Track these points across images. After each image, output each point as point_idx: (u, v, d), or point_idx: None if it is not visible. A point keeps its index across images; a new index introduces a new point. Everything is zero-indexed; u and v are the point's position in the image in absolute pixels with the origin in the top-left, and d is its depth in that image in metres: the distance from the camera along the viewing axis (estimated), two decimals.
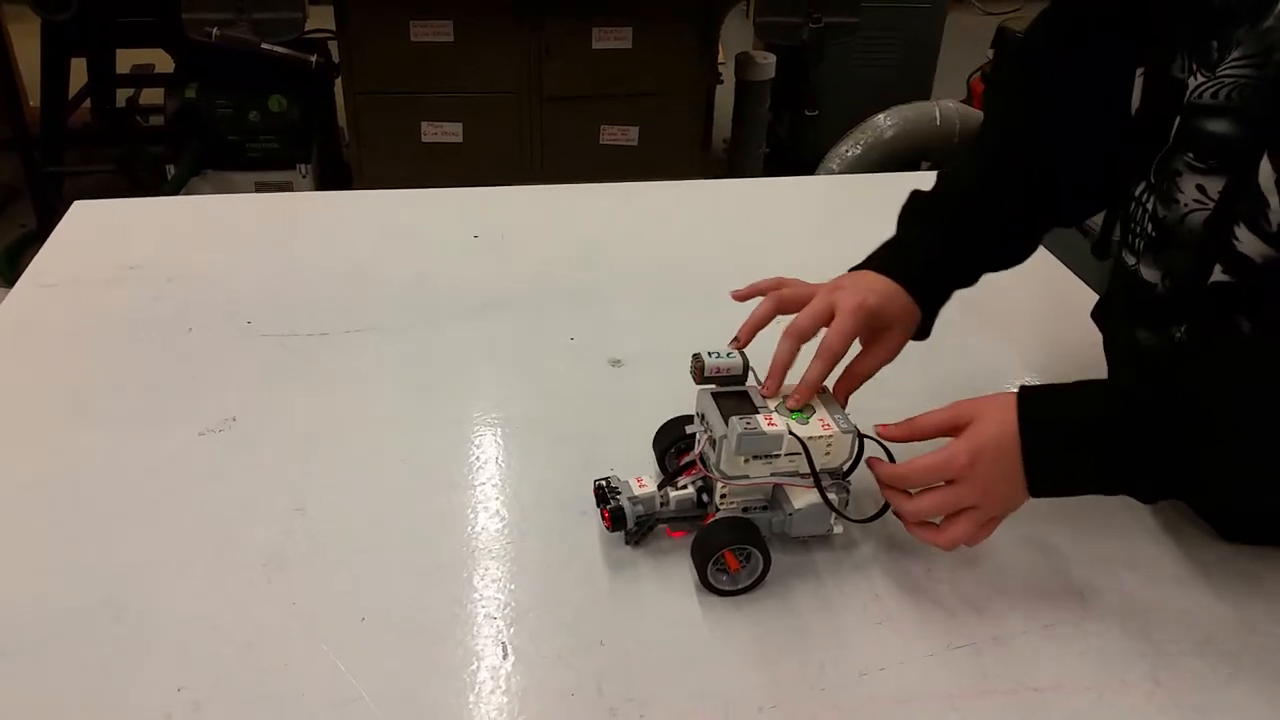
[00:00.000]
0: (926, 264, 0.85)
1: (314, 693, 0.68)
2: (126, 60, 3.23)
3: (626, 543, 0.80)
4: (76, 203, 1.31)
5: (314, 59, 2.62)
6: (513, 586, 0.77)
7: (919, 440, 0.75)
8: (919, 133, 2.33)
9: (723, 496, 0.77)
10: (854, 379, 0.82)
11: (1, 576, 0.76)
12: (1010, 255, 0.91)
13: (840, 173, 2.38)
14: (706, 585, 0.76)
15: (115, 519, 0.82)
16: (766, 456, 0.74)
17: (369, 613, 0.74)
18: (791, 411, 0.76)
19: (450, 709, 0.67)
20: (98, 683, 0.68)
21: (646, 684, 0.69)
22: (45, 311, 1.09)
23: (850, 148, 2.33)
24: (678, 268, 1.24)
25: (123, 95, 3.33)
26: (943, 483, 0.72)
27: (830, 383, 0.80)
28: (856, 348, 0.81)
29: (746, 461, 0.74)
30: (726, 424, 0.73)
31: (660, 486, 0.79)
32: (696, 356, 0.79)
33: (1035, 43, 0.90)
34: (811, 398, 0.77)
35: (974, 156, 0.92)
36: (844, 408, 0.79)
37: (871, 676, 0.71)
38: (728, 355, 0.79)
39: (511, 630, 0.73)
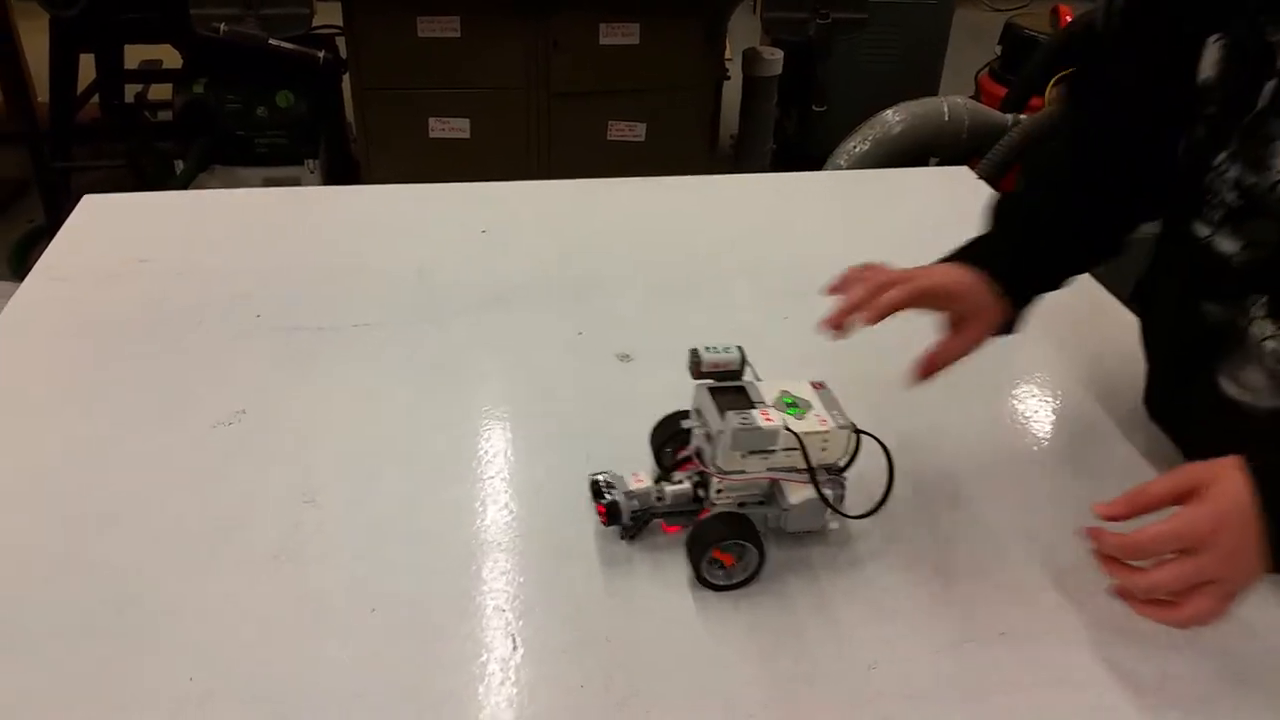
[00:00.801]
0: (1011, 256, 0.86)
1: (324, 683, 0.68)
2: (135, 56, 3.24)
3: (622, 538, 0.80)
4: (86, 196, 1.32)
5: (321, 55, 2.62)
6: (521, 579, 0.77)
7: (1146, 513, 0.66)
8: (927, 129, 2.32)
9: (719, 491, 0.76)
10: (929, 364, 0.84)
11: (13, 570, 0.76)
12: (1098, 250, 0.91)
13: (848, 169, 2.37)
14: (701, 580, 0.76)
15: (126, 511, 0.82)
16: (762, 452, 0.74)
17: (378, 604, 0.74)
18: (788, 407, 0.76)
19: (460, 700, 0.68)
20: (110, 673, 0.68)
21: (646, 679, 0.69)
22: (55, 305, 1.10)
23: (858, 144, 2.32)
24: (687, 263, 1.24)
25: (130, 91, 3.34)
26: (1171, 555, 0.65)
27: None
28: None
29: (743, 457, 0.74)
30: (723, 419, 0.73)
31: (656, 481, 0.78)
32: (694, 351, 0.79)
33: (1113, 30, 0.91)
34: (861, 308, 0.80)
35: (1057, 153, 0.93)
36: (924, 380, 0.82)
37: (869, 673, 0.71)
38: (724, 350, 0.79)
39: (520, 623, 0.73)
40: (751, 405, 0.76)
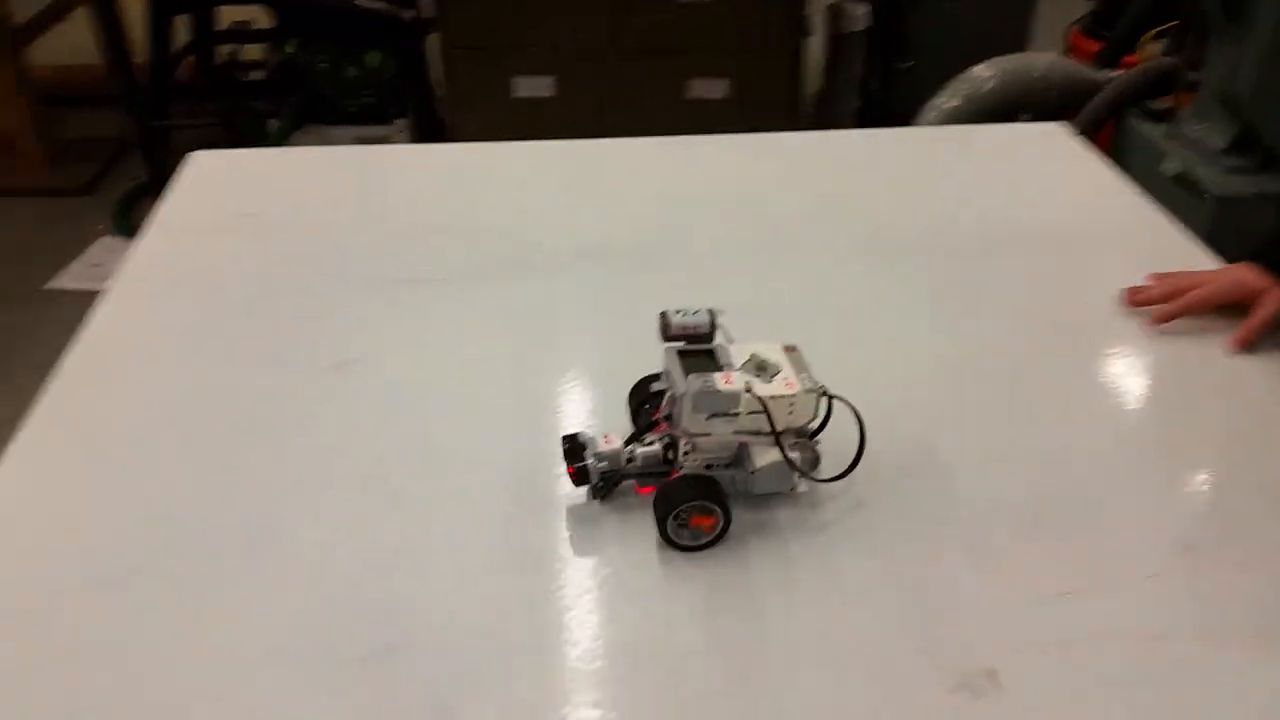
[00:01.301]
0: None
1: (418, 618, 0.72)
2: (227, 17, 3.31)
3: (593, 498, 0.81)
4: (192, 153, 1.37)
5: (409, 14, 2.65)
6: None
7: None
8: (1019, 85, 2.27)
9: (686, 454, 0.77)
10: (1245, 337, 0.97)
11: (137, 501, 0.82)
12: None
13: (938, 125, 2.34)
14: (666, 540, 0.77)
15: (239, 451, 0.87)
16: (725, 414, 0.75)
17: (468, 546, 0.78)
18: (758, 370, 0.77)
19: (550, 633, 0.71)
20: (236, 599, 0.73)
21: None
22: (170, 256, 1.15)
23: (948, 100, 2.28)
24: (775, 220, 1.25)
25: (222, 52, 3.42)
26: None
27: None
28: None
29: (707, 419, 0.75)
30: (685, 381, 0.74)
31: (627, 443, 0.79)
32: (663, 314, 0.79)
33: None
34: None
35: None
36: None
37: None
38: (694, 313, 0.79)
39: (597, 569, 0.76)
40: (718, 368, 0.76)
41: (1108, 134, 2.23)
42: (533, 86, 2.82)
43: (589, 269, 1.14)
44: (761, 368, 0.78)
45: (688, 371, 0.75)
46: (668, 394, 0.79)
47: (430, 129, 3.10)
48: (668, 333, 0.79)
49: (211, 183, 1.32)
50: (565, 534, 0.79)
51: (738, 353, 0.79)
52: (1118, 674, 0.68)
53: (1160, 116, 2.12)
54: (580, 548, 0.78)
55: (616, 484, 0.80)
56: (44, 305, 2.73)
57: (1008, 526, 0.80)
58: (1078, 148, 1.43)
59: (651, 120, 2.84)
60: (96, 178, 3.36)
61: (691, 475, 0.77)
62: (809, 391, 0.76)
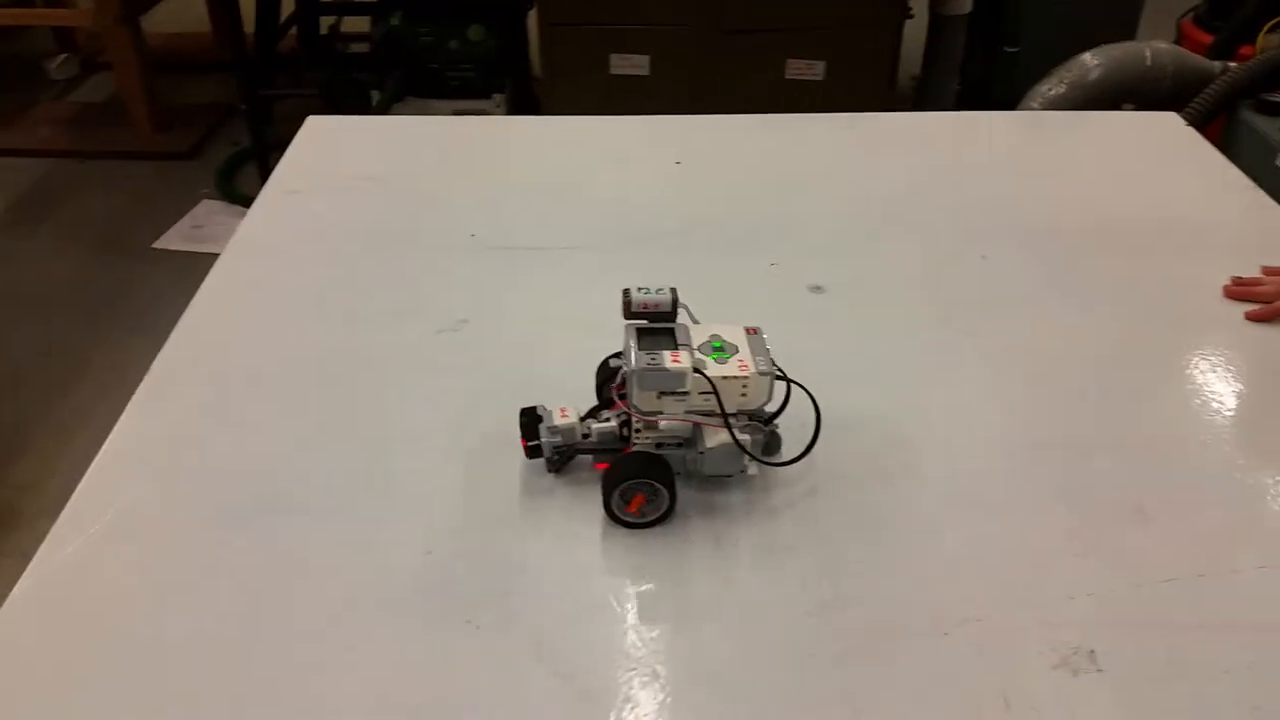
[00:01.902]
0: None
1: (533, 558, 0.75)
2: None
3: (549, 470, 0.81)
4: (310, 118, 1.41)
5: None
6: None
7: None
8: (1127, 74, 2.21)
9: (637, 431, 0.77)
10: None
11: (252, 448, 0.86)
12: None
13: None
14: (611, 516, 0.77)
15: (364, 403, 0.90)
16: (675, 394, 0.74)
17: (579, 493, 0.80)
18: (715, 351, 0.76)
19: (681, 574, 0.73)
20: (362, 540, 0.77)
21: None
22: (290, 216, 1.19)
23: (1053, 87, 2.23)
24: (876, 199, 1.25)
25: (325, 23, 3.49)
26: None
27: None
28: None
29: (658, 397, 0.75)
30: (634, 359, 0.74)
31: (583, 419, 0.80)
32: (626, 291, 0.79)
33: None
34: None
35: None
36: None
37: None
38: (657, 291, 0.78)
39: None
40: (674, 347, 0.75)
41: (1217, 127, 2.17)
42: (628, 64, 2.83)
43: (697, 242, 1.15)
44: (719, 348, 0.77)
45: (642, 349, 0.75)
46: (621, 371, 0.78)
47: (525, 105, 3.13)
48: (629, 310, 0.79)
49: (326, 147, 1.36)
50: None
51: (699, 333, 0.79)
52: (1220, 662, 0.68)
53: (1275, 109, 2.06)
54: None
55: (570, 458, 0.81)
56: (150, 263, 2.83)
57: (1110, 512, 0.80)
58: (1190, 137, 1.40)
59: (746, 100, 2.83)
60: (200, 143, 3.46)
61: (641, 453, 0.78)
62: (763, 374, 0.75)
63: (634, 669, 0.67)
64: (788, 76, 2.82)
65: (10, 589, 0.72)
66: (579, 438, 0.79)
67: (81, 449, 2.19)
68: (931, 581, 0.74)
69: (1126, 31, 3.11)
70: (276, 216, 1.19)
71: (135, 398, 0.91)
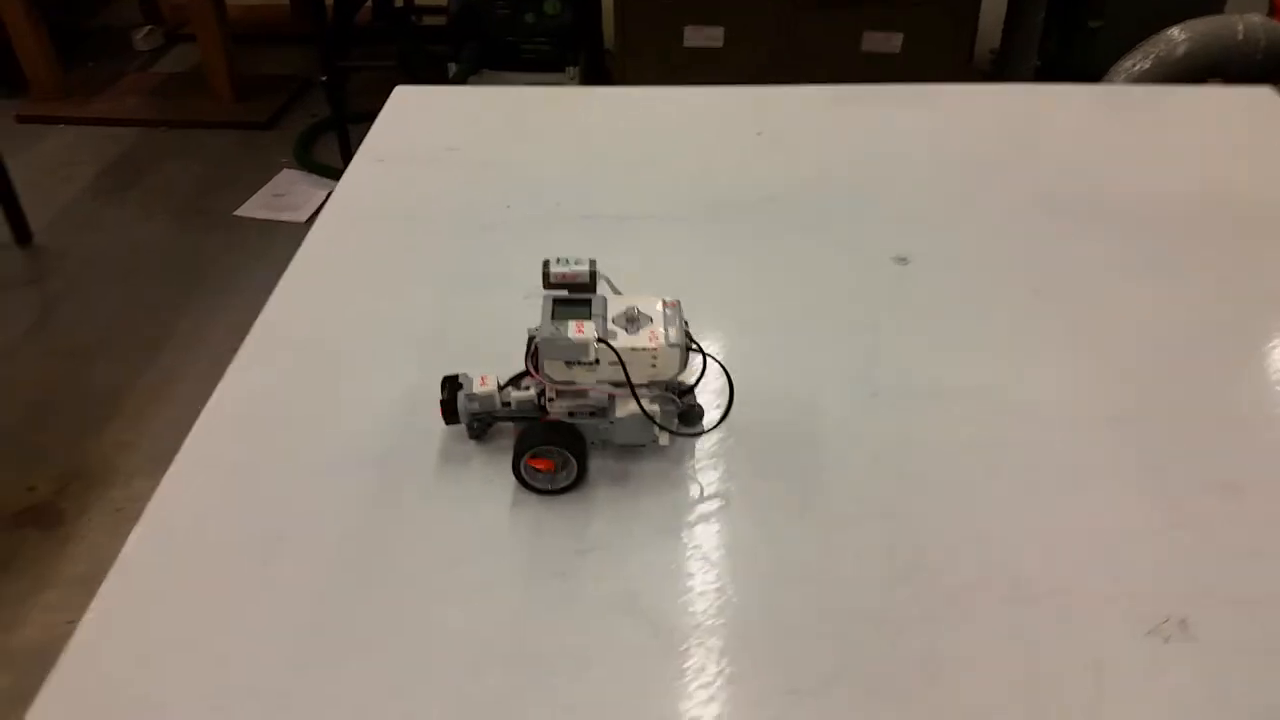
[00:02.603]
0: None
1: (628, 521, 0.77)
2: None
3: (470, 437, 0.83)
4: (397, 88, 1.44)
5: None
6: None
7: None
8: (1217, 48, 2.16)
9: (550, 400, 0.78)
10: None
11: (364, 406, 0.89)
12: None
13: None
14: (522, 482, 0.78)
15: (456, 364, 0.92)
16: (582, 363, 0.75)
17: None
18: (628, 322, 0.77)
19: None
20: (445, 499, 0.80)
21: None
22: (381, 183, 1.22)
23: (1137, 62, 2.19)
24: (962, 171, 1.24)
25: None
26: None
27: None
28: None
29: (569, 367, 0.75)
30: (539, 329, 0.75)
31: (503, 387, 0.81)
32: (545, 262, 0.79)
33: None
34: None
35: None
36: None
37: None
38: (575, 263, 0.79)
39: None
40: (585, 317, 0.76)
41: None
42: (703, 37, 2.83)
43: (780, 212, 1.16)
44: (633, 319, 0.77)
45: (555, 319, 0.76)
46: (533, 341, 0.79)
47: (598, 79, 3.15)
48: (548, 281, 0.79)
49: (413, 117, 1.39)
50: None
51: (614, 304, 0.79)
52: None
53: None
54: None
55: (490, 425, 0.82)
56: (232, 231, 2.91)
57: (1200, 486, 0.79)
58: None
59: (821, 74, 2.81)
60: (279, 113, 3.54)
61: (553, 421, 0.79)
62: (673, 346, 0.76)
63: (715, 620, 0.69)
64: (863, 49, 2.80)
65: (114, 541, 0.76)
66: (498, 406, 0.81)
67: (173, 408, 2.28)
68: (1017, 550, 0.74)
69: (1215, 5, 3.03)
70: (367, 185, 1.22)
71: (236, 359, 0.94)
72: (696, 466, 0.82)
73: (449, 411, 0.81)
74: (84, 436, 2.13)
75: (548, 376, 0.77)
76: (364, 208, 1.18)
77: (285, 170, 3.19)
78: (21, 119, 3.44)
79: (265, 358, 0.95)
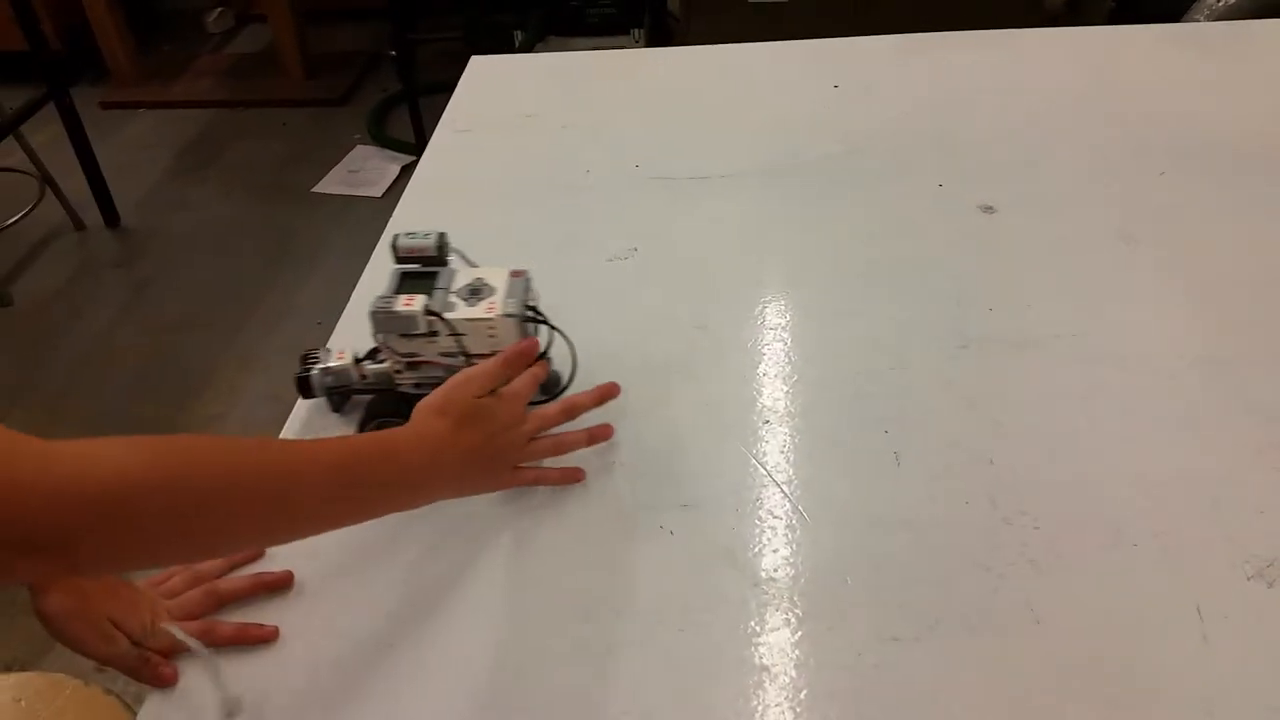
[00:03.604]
0: None
1: (717, 473, 0.78)
2: None
3: (333, 410, 0.84)
4: (474, 58, 1.46)
5: None
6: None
7: None
8: None
9: (398, 372, 0.79)
10: None
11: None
12: None
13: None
14: None
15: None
16: (417, 335, 0.76)
17: (767, 413, 0.83)
18: (471, 294, 0.77)
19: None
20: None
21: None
22: (463, 152, 1.24)
23: None
24: (1043, 117, 1.22)
25: None
26: None
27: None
28: None
29: (408, 339, 0.76)
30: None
31: (359, 361, 0.81)
32: (395, 236, 0.79)
33: None
34: None
35: None
36: None
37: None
38: (423, 236, 0.79)
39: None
40: (427, 290, 0.76)
41: None
42: None
43: (862, 165, 1.16)
44: (475, 291, 0.78)
45: (401, 292, 0.76)
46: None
47: (661, 41, 3.13)
48: (397, 255, 0.80)
49: (490, 86, 1.41)
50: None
51: (461, 276, 0.79)
52: None
53: None
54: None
55: (347, 398, 0.83)
56: (311, 206, 2.97)
57: None
58: None
59: (886, 24, 2.76)
60: (350, 89, 3.58)
61: (393, 392, 0.79)
62: (509, 316, 0.76)
63: (815, 570, 0.71)
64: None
65: None
66: (355, 379, 0.81)
67: (261, 381, 2.34)
68: (1116, 496, 0.74)
69: None
70: (450, 155, 1.24)
71: (339, 324, 0.97)
72: (792, 418, 0.83)
73: (304, 386, 0.82)
74: (179, 410, 2.21)
75: (390, 349, 0.79)
76: (448, 178, 1.20)
77: (359, 146, 3.23)
78: (105, 105, 3.54)
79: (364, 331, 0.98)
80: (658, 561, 0.72)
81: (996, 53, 1.40)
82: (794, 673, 0.65)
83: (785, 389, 0.86)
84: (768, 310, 0.95)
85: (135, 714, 0.68)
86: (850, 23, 2.80)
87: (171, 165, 3.24)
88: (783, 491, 0.77)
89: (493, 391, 0.72)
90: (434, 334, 0.77)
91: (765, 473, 0.78)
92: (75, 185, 2.88)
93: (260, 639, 0.69)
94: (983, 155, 1.16)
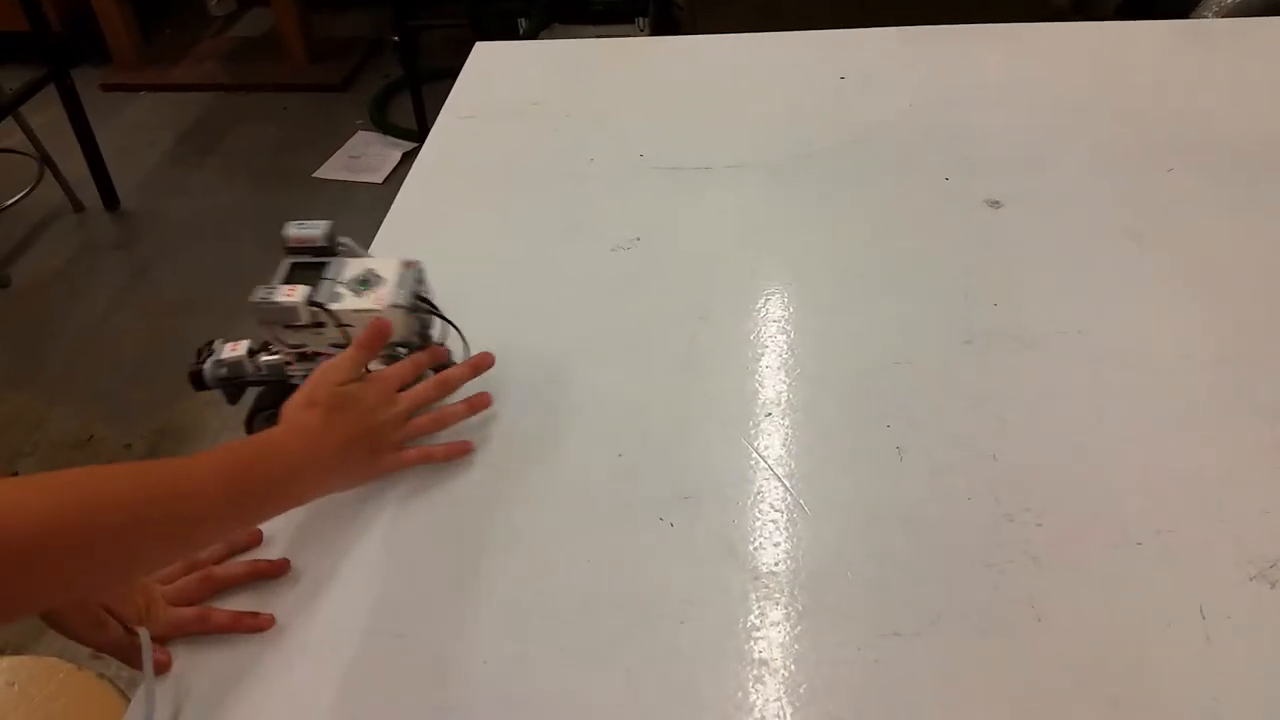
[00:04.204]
0: None
1: (718, 465, 0.78)
2: None
3: (229, 403, 0.82)
4: (478, 44, 1.45)
5: None
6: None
7: None
8: None
9: (288, 363, 0.78)
10: None
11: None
12: None
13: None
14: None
15: (550, 314, 0.94)
16: (302, 326, 0.75)
17: (769, 406, 0.83)
18: (360, 285, 0.76)
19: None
20: (549, 444, 0.81)
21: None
22: (466, 139, 1.23)
23: None
24: (1051, 110, 1.21)
25: None
26: None
27: None
28: None
29: (293, 330, 0.75)
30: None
31: (254, 352, 0.80)
32: (286, 225, 0.78)
33: None
34: None
35: None
36: None
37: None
38: (313, 226, 0.78)
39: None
40: (314, 281, 0.75)
41: None
42: None
43: (867, 156, 1.15)
44: (365, 282, 0.77)
45: (290, 283, 0.76)
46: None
47: (666, 30, 3.11)
48: (287, 245, 0.79)
49: (494, 72, 1.40)
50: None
51: (353, 266, 0.78)
52: None
53: None
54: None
55: (242, 389, 0.82)
56: (313, 191, 2.96)
57: None
58: None
59: (891, 17, 2.75)
60: (352, 74, 3.57)
61: (289, 384, 0.78)
62: (396, 307, 0.75)
63: (816, 564, 0.70)
64: None
65: None
66: (249, 370, 0.81)
67: None
68: (1120, 494, 0.74)
69: None
70: (454, 142, 1.23)
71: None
72: (795, 411, 0.82)
73: (196, 379, 0.81)
74: (177, 395, 2.20)
75: (279, 341, 0.78)
76: (451, 164, 1.19)
77: (361, 132, 3.22)
78: (106, 88, 3.52)
79: None
80: (658, 554, 0.72)
81: (1004, 47, 1.39)
82: (794, 667, 0.64)
83: (788, 381, 0.85)
84: (771, 302, 0.94)
85: (129, 699, 0.68)
86: (857, 14, 2.80)
87: (172, 149, 3.23)
88: (784, 485, 0.76)
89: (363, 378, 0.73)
90: (320, 325, 0.76)
91: (767, 466, 0.78)
92: (75, 167, 2.87)
93: (255, 628, 0.69)
94: (990, 150, 1.15)
